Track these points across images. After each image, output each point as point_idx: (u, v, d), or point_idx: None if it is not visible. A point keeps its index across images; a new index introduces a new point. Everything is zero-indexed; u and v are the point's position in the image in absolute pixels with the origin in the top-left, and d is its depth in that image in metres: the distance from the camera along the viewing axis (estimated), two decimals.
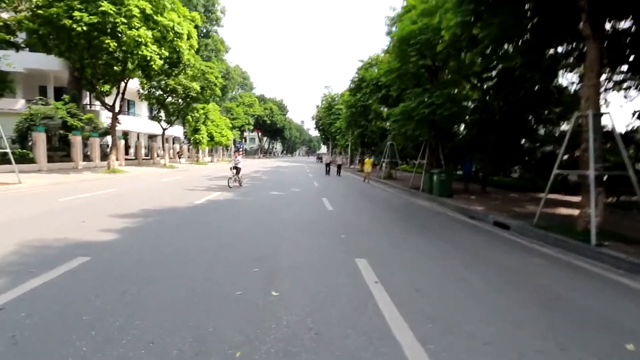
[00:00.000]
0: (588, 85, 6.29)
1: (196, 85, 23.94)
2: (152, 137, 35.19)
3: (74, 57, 15.68)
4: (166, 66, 18.60)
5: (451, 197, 11.58)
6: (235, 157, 12.98)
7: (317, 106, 58.55)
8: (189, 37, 19.50)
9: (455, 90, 14.28)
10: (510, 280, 3.82)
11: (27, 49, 23.45)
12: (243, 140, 72.02)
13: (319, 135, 75.39)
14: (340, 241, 5.17)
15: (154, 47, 15.36)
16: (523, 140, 18.57)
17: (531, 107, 18.56)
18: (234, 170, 12.56)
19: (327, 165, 24.71)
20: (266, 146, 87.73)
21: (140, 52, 14.84)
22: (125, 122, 30.56)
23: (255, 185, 13.43)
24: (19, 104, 24.00)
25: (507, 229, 7.26)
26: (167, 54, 16.57)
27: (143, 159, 28.86)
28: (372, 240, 5.33)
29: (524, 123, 19.37)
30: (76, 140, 19.40)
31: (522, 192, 14.66)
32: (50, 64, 23.77)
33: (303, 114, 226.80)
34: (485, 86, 19.76)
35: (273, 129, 75.39)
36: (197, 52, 34.06)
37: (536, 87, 18.78)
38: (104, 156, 20.37)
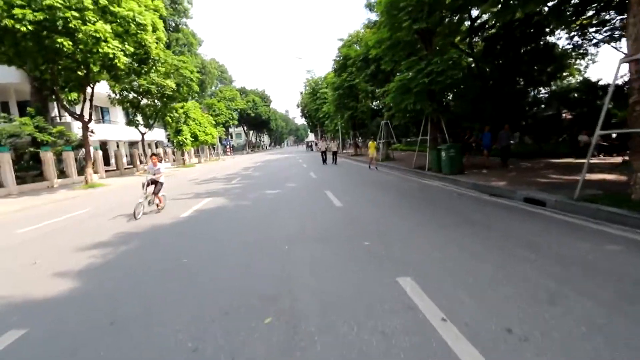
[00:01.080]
0: (634, 23, 5.21)
1: (171, 83, 22.19)
2: (133, 144, 33.36)
3: (27, 64, 13.95)
4: (134, 64, 16.90)
5: (462, 173, 10.61)
6: (154, 164, 7.93)
7: (301, 93, 56.74)
8: (155, 29, 17.72)
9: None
10: (620, 291, 2.78)
11: None
12: (229, 136, 69.95)
13: (305, 123, 73.64)
14: (366, 252, 4.08)
15: (116, 43, 13.69)
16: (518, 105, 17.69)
17: (521, 69, 17.61)
18: (148, 188, 7.50)
19: (323, 153, 21.86)
20: (253, 140, 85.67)
21: (100, 50, 13.19)
22: (102, 131, 28.69)
23: (247, 185, 12.19)
24: None
25: (542, 205, 6.32)
26: (132, 49, 14.89)
27: (125, 169, 27.21)
28: (403, 244, 4.27)
29: (515, 86, 18.46)
30: (47, 156, 17.79)
31: (530, 159, 13.77)
32: (8, 77, 21.73)
33: (287, 104, 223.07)
34: (474, 51, 18.70)
35: (258, 122, 73.29)
36: (168, 47, 31.97)
37: (524, 49, 17.85)
38: (82, 170, 18.78)
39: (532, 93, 19.43)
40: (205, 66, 47.27)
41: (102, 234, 5.95)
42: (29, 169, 18.01)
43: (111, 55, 13.55)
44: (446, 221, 5.26)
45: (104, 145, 30.35)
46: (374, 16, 24.81)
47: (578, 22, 13.53)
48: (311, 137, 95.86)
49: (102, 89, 22.45)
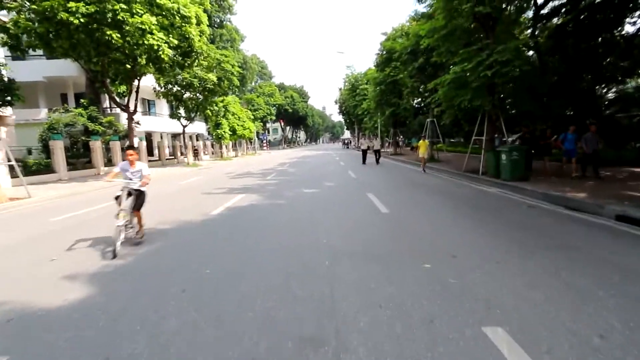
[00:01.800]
0: None
1: (212, 77, 22.41)
2: (175, 136, 34.62)
3: (80, 56, 14.54)
4: (178, 57, 17.11)
5: (526, 180, 9.20)
6: (131, 163, 5.02)
7: (340, 89, 55.94)
8: (199, 22, 17.84)
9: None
10: None
11: (44, 57, 23.25)
12: (266, 131, 70.99)
13: (342, 120, 72.60)
14: (430, 279, 3.19)
15: (161, 35, 13.79)
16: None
17: (592, 63, 15.27)
18: (125, 203, 4.62)
19: (365, 152, 19.50)
20: (289, 136, 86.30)
21: (146, 42, 13.35)
22: (147, 123, 29.99)
23: (283, 182, 11.64)
24: (42, 113, 23.77)
25: None
26: (176, 41, 14.99)
27: (167, 159, 28.19)
28: (478, 274, 3.31)
29: (584, 83, 16.12)
30: (96, 145, 18.66)
31: (606, 166, 11.78)
32: (68, 70, 23.33)
33: (324, 100, 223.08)
34: (537, 42, 16.58)
35: (295, 118, 73.54)
36: (212, 42, 32.64)
37: (594, 41, 15.44)
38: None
39: (604, 91, 16.96)
40: (246, 62, 47.99)
41: None
42: (80, 157, 19.00)
43: (156, 47, 13.67)
44: (528, 243, 4.19)
45: (148, 137, 31.77)
46: (421, 7, 23.26)
47: None
48: (347, 134, 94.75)
49: (148, 82, 23.27)
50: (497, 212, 6.04)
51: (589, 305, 2.59)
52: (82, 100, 20.88)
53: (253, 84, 63.46)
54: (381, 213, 6.06)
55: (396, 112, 25.26)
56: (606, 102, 15.54)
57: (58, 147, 16.09)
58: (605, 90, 17.18)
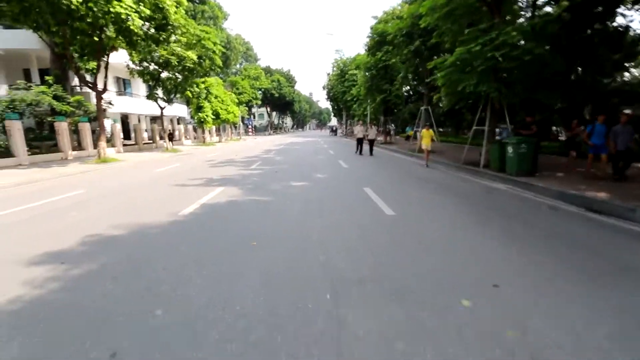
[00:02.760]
0: None
1: (192, 55, 20.60)
2: (154, 119, 32.52)
3: (38, 24, 12.69)
4: (151, 30, 15.40)
5: (533, 175, 8.50)
6: None
7: (328, 74, 54.27)
8: None
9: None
10: None
11: (1, 26, 20.77)
12: (252, 116, 68.71)
13: (329, 107, 70.92)
14: (482, 334, 2.31)
15: (130, 3, 12.15)
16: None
17: (582, 55, 14.66)
18: None
19: (360, 140, 17.49)
20: (276, 121, 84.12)
21: (112, 9, 11.71)
22: (123, 104, 27.89)
23: (268, 173, 10.52)
24: (2, 89, 21.47)
25: None
26: (148, 11, 13.33)
27: (145, 144, 26.38)
28: (538, 317, 2.46)
29: (582, 75, 15.58)
30: (61, 127, 16.89)
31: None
32: (30, 43, 20.97)
33: (311, 86, 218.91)
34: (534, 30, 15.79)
35: (282, 103, 71.36)
36: (192, 19, 30.32)
37: (588, 32, 14.80)
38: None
39: (605, 82, 16.50)
40: (230, 41, 45.52)
41: (78, 231, 4.50)
42: (45, 139, 17.22)
43: (124, 16, 12.04)
44: (587, 266, 3.32)
45: (125, 119, 29.66)
46: None
47: None
48: (334, 121, 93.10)
49: (122, 58, 21.27)
50: (520, 217, 5.21)
51: None
52: (47, 77, 18.84)
53: (238, 66, 60.72)
54: (386, 216, 5.13)
55: (387, 99, 24.29)
56: (607, 93, 15.03)
57: (16, 128, 14.34)
58: (609, 81, 16.70)
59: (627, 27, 15.12)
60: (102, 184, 9.05)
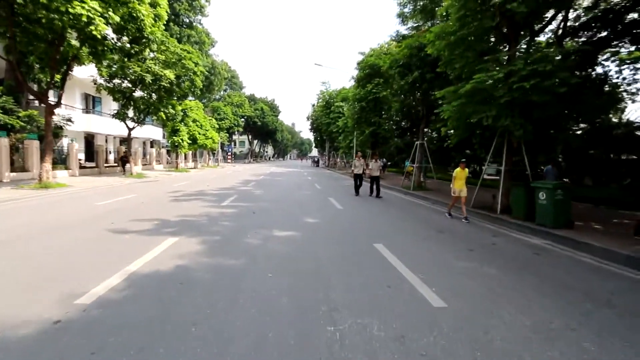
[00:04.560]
0: None
1: (170, 74, 18.84)
2: (124, 141, 29.88)
3: None
4: (123, 39, 13.65)
5: (572, 228, 6.98)
6: None
7: (313, 105, 53.95)
8: (154, 3, 14.66)
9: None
10: None
11: None
12: (232, 143, 66.80)
13: (310, 137, 70.39)
14: None
15: (95, 5, 10.40)
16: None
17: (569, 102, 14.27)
18: None
19: (358, 177, 13.85)
20: (257, 150, 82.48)
21: (71, 10, 9.89)
22: (89, 123, 25.37)
23: (244, 213, 8.29)
24: None
25: None
26: (117, 18, 11.60)
27: (109, 167, 23.63)
28: None
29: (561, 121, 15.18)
30: None
31: (627, 209, 10.16)
32: None
33: (294, 117, 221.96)
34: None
35: (264, 131, 70.22)
36: (178, 42, 29.01)
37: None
38: (53, 164, 15.11)
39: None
40: (215, 67, 44.51)
41: None
42: None
43: (85, 19, 10.21)
44: None
45: (91, 139, 26.92)
46: (403, 29, 22.04)
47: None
48: (315, 152, 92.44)
49: (91, 72, 19.18)
50: (625, 311, 3.47)
51: None
52: None
53: (222, 92, 59.63)
54: (434, 309, 3.17)
55: (376, 132, 23.32)
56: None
57: None
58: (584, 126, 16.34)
59: (606, 75, 14.98)
60: (12, 221, 6.65)
